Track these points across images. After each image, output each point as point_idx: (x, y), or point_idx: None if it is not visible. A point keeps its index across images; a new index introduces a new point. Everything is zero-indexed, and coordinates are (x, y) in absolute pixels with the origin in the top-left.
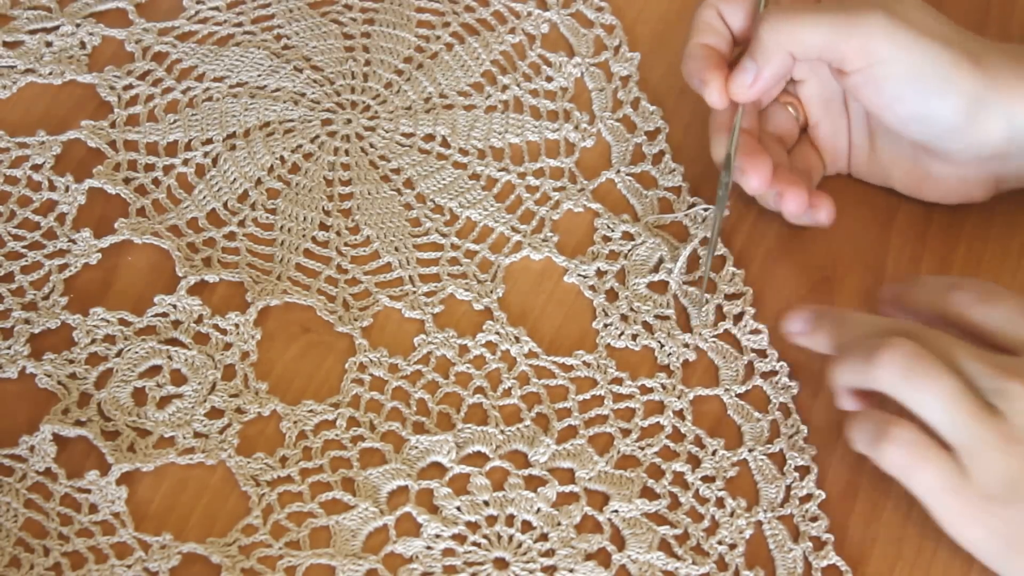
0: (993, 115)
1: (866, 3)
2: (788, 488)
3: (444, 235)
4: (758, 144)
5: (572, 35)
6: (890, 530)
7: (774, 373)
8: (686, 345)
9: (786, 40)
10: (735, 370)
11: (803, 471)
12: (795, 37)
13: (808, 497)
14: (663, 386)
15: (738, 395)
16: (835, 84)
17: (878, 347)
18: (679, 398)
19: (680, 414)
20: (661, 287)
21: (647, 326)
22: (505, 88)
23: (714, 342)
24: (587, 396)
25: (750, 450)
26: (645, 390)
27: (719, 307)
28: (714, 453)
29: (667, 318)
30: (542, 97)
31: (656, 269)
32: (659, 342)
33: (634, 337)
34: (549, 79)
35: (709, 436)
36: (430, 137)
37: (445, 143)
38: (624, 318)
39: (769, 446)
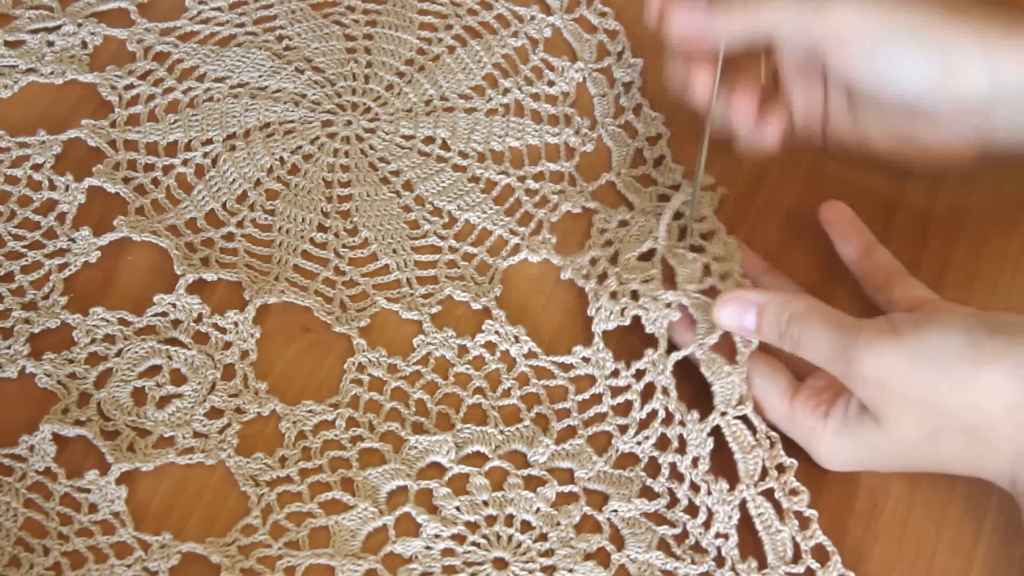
0: (972, 66)
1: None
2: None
3: (442, 237)
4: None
5: (575, 40)
6: (890, 530)
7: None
8: (668, 305)
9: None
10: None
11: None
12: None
13: (782, 468)
14: (653, 363)
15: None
16: (812, 54)
17: None
18: (662, 373)
19: (666, 391)
20: (649, 257)
21: (634, 295)
22: (506, 91)
23: (697, 297)
24: (586, 396)
25: (722, 414)
26: (640, 374)
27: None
28: (687, 424)
29: (652, 279)
30: (543, 101)
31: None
32: (645, 308)
33: (622, 312)
34: (551, 83)
35: (688, 409)
36: (430, 139)
37: (445, 146)
38: (613, 295)
39: (741, 407)
